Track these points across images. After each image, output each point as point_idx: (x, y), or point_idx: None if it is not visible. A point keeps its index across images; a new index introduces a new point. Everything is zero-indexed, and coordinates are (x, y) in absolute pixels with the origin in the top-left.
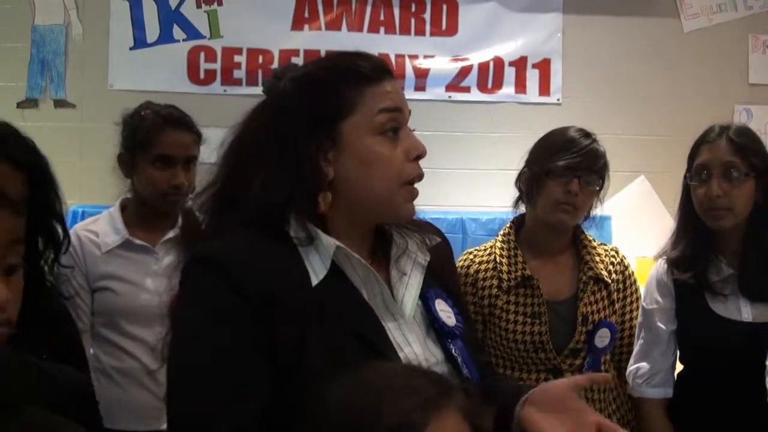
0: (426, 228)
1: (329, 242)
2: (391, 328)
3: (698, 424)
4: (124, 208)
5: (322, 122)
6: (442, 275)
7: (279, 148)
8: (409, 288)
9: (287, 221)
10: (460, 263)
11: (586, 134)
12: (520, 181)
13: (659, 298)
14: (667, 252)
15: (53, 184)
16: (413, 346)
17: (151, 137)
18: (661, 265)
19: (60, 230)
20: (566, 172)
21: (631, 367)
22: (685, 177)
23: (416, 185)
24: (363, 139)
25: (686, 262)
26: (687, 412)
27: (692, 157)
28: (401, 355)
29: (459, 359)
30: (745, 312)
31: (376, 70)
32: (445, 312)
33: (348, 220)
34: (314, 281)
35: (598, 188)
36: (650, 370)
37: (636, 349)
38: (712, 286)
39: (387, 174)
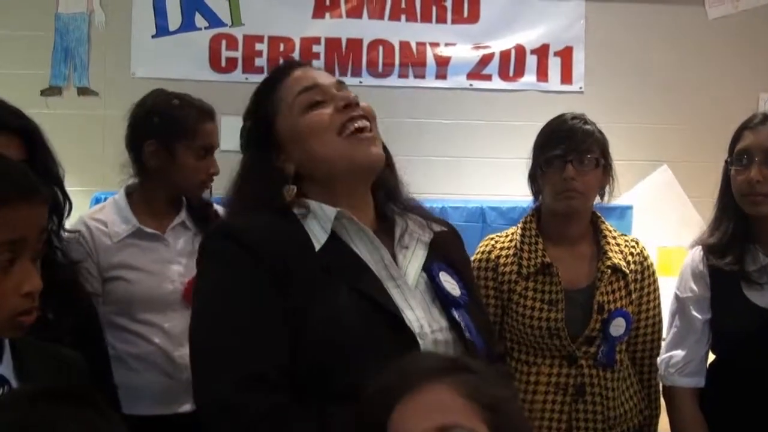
0: (434, 218)
1: (330, 210)
2: (393, 293)
3: (730, 414)
4: (129, 195)
5: (264, 136)
6: (449, 256)
7: (252, 168)
8: (413, 260)
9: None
10: (482, 248)
11: (573, 117)
12: (530, 175)
13: (694, 287)
14: (703, 239)
15: (47, 147)
16: (415, 311)
17: (196, 128)
18: (697, 252)
19: (60, 195)
20: (556, 160)
21: (664, 356)
22: (725, 163)
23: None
24: (295, 124)
25: (722, 249)
26: (718, 403)
27: (734, 142)
28: (403, 316)
29: (462, 324)
30: None
31: (283, 69)
32: (449, 283)
33: (327, 196)
34: (317, 247)
35: (597, 166)
36: (683, 358)
37: (669, 338)
38: (748, 275)
39: (322, 136)
